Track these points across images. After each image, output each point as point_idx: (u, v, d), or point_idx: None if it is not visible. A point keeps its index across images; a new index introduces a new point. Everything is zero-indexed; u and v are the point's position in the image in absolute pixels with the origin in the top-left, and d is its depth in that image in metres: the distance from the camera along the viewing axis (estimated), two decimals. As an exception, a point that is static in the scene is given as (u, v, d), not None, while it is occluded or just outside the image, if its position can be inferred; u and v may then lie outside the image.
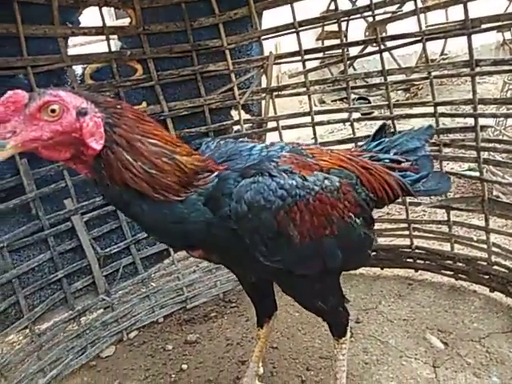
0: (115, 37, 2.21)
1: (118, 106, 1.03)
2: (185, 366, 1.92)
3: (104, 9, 2.12)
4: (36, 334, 1.93)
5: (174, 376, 1.87)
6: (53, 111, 0.93)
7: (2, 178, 1.86)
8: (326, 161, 1.34)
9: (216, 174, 1.14)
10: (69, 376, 1.96)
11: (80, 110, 0.96)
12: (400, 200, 2.10)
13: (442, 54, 6.82)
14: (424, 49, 2.11)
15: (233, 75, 2.33)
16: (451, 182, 1.67)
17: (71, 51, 2.13)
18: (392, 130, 1.78)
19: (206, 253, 1.26)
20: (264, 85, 2.44)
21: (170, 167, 1.04)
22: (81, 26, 2.09)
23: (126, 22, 2.28)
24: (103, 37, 2.11)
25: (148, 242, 2.35)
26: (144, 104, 2.25)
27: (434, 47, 6.16)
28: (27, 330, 1.94)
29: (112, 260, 2.22)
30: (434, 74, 2.09)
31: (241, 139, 1.39)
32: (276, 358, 1.89)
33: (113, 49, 2.15)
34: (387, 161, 1.59)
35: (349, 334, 1.50)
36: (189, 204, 1.08)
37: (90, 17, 2.17)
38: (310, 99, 2.39)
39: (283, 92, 2.41)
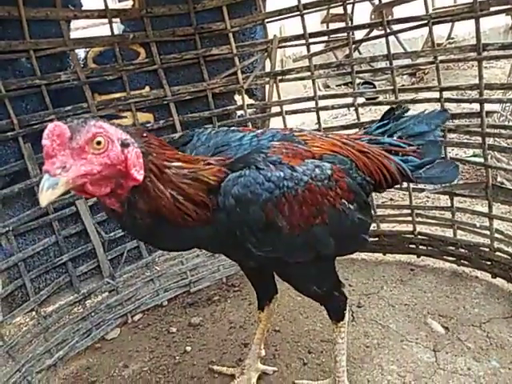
0: (118, 20, 2.19)
1: (145, 134, 1.02)
2: (188, 348, 1.95)
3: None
4: (42, 317, 1.96)
5: (178, 358, 1.90)
6: (98, 143, 0.90)
7: (7, 163, 1.87)
8: (318, 147, 1.33)
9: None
10: (75, 357, 2.00)
11: (123, 141, 0.94)
12: (403, 186, 2.09)
13: (448, 37, 6.71)
14: (430, 32, 2.07)
15: (236, 59, 2.31)
16: (459, 172, 1.60)
17: (73, 34, 2.12)
18: (405, 108, 1.69)
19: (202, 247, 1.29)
20: (268, 69, 2.41)
21: (193, 190, 1.06)
22: (83, 8, 2.07)
23: (128, 4, 2.26)
24: (106, 20, 2.09)
25: (152, 227, 2.36)
26: (147, 88, 2.24)
27: (440, 31, 6.05)
28: (34, 313, 1.97)
29: (116, 244, 2.25)
30: (440, 58, 2.06)
31: (232, 128, 1.38)
32: (278, 340, 1.92)
33: (115, 32, 2.13)
34: (387, 144, 1.54)
35: (347, 318, 1.51)
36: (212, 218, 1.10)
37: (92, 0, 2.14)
38: (314, 84, 2.36)
39: (287, 76, 2.39)
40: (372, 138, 1.58)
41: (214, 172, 1.12)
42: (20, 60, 1.91)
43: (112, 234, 2.20)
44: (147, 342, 2.05)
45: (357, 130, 2.29)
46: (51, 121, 1.92)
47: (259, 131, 1.37)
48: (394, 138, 1.60)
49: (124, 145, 0.94)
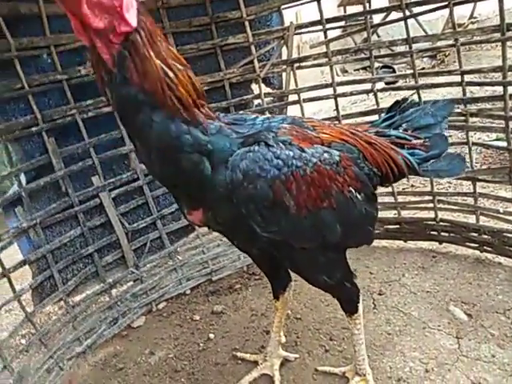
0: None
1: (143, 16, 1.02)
2: (212, 336, 1.99)
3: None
4: (70, 306, 2.03)
5: (201, 345, 1.95)
6: None
7: (32, 158, 1.92)
8: (327, 134, 1.33)
9: (218, 125, 1.13)
10: (103, 345, 2.07)
11: None
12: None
13: (471, 17, 6.50)
14: (451, 14, 2.01)
15: (253, 47, 2.31)
16: (465, 165, 1.57)
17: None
18: (412, 101, 1.67)
19: (205, 217, 1.24)
20: (284, 56, 2.40)
21: (183, 77, 1.03)
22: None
23: (144, -4, 2.26)
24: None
25: (173, 217, 2.41)
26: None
27: (462, 10, 5.86)
28: (62, 302, 2.05)
29: (139, 235, 2.30)
30: (461, 40, 2.01)
31: (248, 112, 1.38)
32: (300, 328, 1.94)
33: (132, 25, 2.14)
34: (393, 137, 1.53)
35: (361, 309, 1.49)
36: (192, 132, 1.07)
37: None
38: (331, 70, 2.34)
39: (304, 63, 2.37)
40: (379, 130, 1.57)
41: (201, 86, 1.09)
42: (42, 56, 1.94)
43: (135, 224, 2.25)
44: (172, 329, 2.11)
45: (376, 116, 2.26)
46: (73, 115, 1.99)
47: (270, 115, 1.36)
48: (400, 130, 1.58)
49: None
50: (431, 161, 1.52)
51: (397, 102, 1.70)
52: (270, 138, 1.16)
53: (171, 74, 1.01)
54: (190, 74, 1.06)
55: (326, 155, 1.23)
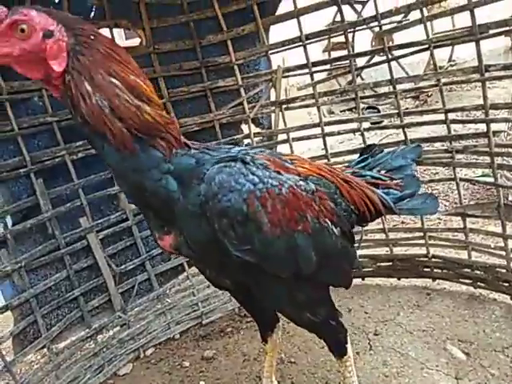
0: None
1: (92, 37, 1.03)
2: (202, 383, 1.90)
3: (114, 30, 2.17)
4: (54, 353, 1.94)
5: (191, 393, 1.86)
6: (22, 30, 0.96)
7: (19, 199, 1.89)
8: (305, 168, 1.34)
9: (191, 153, 1.13)
10: (87, 395, 1.97)
11: (46, 32, 0.98)
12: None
13: (449, 60, 6.81)
14: (432, 56, 2.10)
15: (242, 90, 2.36)
16: (439, 204, 1.66)
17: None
18: (380, 149, 1.78)
19: (176, 240, 1.21)
20: (273, 98, 2.46)
21: (126, 110, 1.01)
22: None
23: (135, 42, 2.33)
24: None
25: (162, 258, 2.36)
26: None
27: (441, 54, 6.14)
28: (45, 349, 1.95)
29: (127, 277, 2.24)
30: (443, 80, 2.08)
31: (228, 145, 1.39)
32: (294, 372, 1.87)
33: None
34: (369, 177, 1.59)
35: (350, 351, 1.44)
36: (149, 159, 1.06)
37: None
38: (319, 110, 2.40)
39: (292, 104, 2.43)
40: (355, 170, 1.62)
41: (158, 118, 1.06)
42: (32, 98, 1.96)
43: (123, 266, 2.20)
44: (160, 377, 2.01)
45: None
46: (62, 157, 1.98)
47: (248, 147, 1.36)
48: (374, 171, 1.65)
49: (46, 35, 0.98)
50: (406, 200, 1.58)
51: (368, 146, 1.80)
52: (246, 158, 1.17)
53: (107, 110, 1.00)
54: (139, 105, 1.04)
55: (301, 182, 1.24)
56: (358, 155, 1.80)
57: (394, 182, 1.61)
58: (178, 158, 1.10)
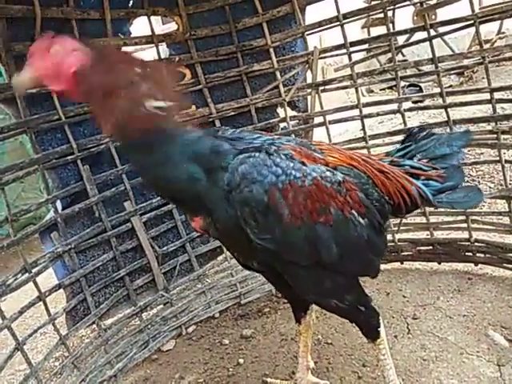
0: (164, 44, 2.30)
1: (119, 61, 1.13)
2: (241, 361, 1.97)
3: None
4: (102, 329, 2.07)
5: (231, 370, 1.93)
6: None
7: (68, 185, 2.00)
8: (335, 157, 1.32)
9: (218, 141, 1.18)
10: (133, 368, 2.09)
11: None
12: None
13: (498, 32, 6.40)
14: (477, 32, 2.00)
15: (278, 73, 2.35)
16: (482, 197, 1.55)
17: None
18: (428, 133, 1.63)
19: (204, 223, 1.25)
20: (309, 80, 2.43)
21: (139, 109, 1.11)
22: (132, 35, 2.19)
23: (172, 28, 2.36)
24: (152, 44, 2.20)
25: (202, 240, 2.43)
26: (193, 107, 2.33)
27: (489, 27, 5.78)
28: (94, 325, 2.09)
29: (169, 258, 2.33)
30: (489, 58, 1.98)
31: (256, 131, 1.39)
32: (331, 353, 1.90)
33: (161, 55, 2.23)
34: (407, 167, 1.50)
35: (383, 334, 1.44)
36: (173, 142, 1.16)
37: (137, 24, 2.26)
38: (357, 91, 2.35)
39: (329, 86, 2.39)
40: (394, 159, 1.54)
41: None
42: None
43: (165, 248, 2.29)
44: (201, 353, 2.10)
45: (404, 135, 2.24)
46: (106, 143, 2.07)
47: (276, 136, 1.36)
48: (415, 160, 1.55)
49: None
50: (446, 192, 1.49)
51: (411, 133, 1.66)
52: (271, 148, 1.19)
53: (128, 109, 1.09)
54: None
55: (327, 173, 1.23)
56: (401, 143, 1.69)
57: (436, 173, 1.51)
58: (203, 144, 1.16)
